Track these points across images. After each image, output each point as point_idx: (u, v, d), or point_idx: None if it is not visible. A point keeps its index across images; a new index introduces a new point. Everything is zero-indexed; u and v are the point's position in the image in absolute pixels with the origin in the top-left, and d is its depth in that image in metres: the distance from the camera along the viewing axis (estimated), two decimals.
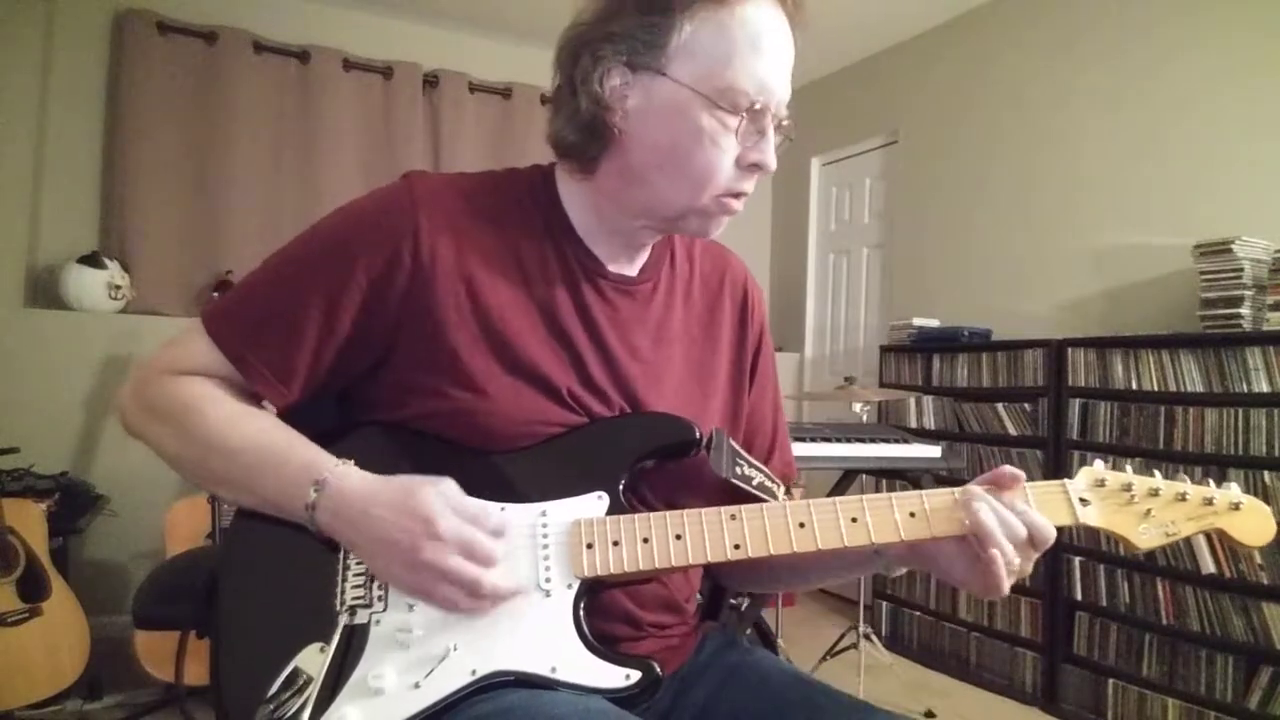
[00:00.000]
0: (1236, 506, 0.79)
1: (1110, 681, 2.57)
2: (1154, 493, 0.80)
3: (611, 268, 0.88)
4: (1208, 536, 0.82)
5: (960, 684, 2.99)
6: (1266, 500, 2.15)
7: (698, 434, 0.83)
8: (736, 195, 0.82)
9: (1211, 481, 0.81)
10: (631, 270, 0.90)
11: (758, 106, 0.77)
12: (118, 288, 3.09)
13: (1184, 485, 0.80)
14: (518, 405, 0.80)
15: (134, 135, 3.24)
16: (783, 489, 0.93)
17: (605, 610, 0.82)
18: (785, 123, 0.81)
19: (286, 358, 0.80)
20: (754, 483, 0.87)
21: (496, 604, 0.73)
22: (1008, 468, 0.78)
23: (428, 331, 0.79)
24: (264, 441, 0.78)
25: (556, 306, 0.84)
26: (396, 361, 0.81)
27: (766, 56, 0.77)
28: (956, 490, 0.78)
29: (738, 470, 0.86)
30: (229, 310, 0.82)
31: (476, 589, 0.70)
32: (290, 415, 0.82)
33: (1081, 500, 0.79)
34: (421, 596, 0.72)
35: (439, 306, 0.79)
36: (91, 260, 3.05)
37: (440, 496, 0.72)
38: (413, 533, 0.70)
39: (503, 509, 0.77)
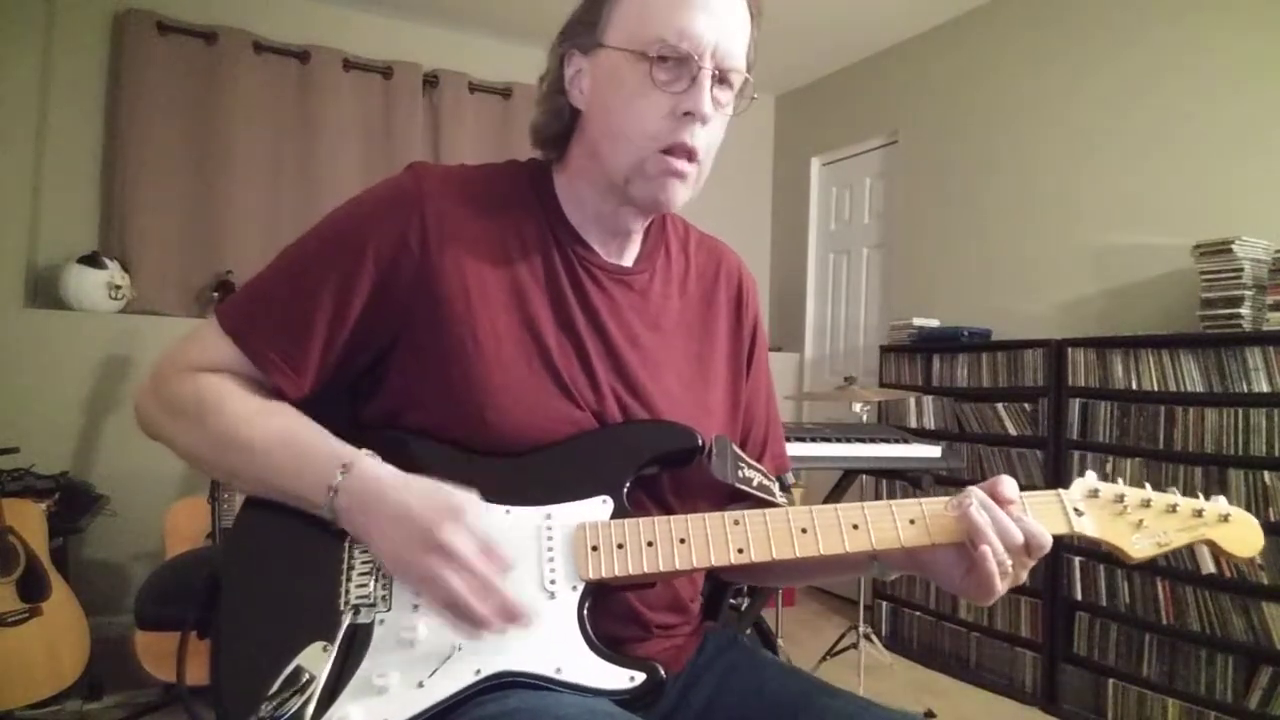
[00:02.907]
0: (1225, 518, 0.81)
1: (1110, 681, 2.58)
2: (1145, 504, 0.81)
3: (607, 258, 0.89)
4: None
5: (960, 684, 2.99)
6: (1266, 500, 2.18)
7: (700, 441, 0.83)
8: (677, 152, 0.81)
9: (1201, 489, 0.82)
10: (626, 261, 0.91)
11: (682, 52, 0.78)
12: (118, 288, 3.09)
13: (1174, 497, 0.81)
14: (520, 394, 0.81)
15: (134, 135, 3.24)
16: (777, 484, 0.94)
17: (612, 611, 0.82)
18: (732, 75, 0.82)
19: (299, 347, 0.80)
20: (754, 484, 0.88)
21: (496, 620, 0.70)
22: (1004, 479, 0.78)
23: (433, 318, 0.80)
24: (288, 432, 0.78)
25: (557, 295, 0.85)
26: (403, 349, 0.82)
27: (691, 5, 0.79)
28: (952, 497, 0.78)
29: (740, 474, 0.86)
30: (242, 304, 0.83)
31: (488, 586, 0.69)
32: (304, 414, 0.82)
33: (1076, 510, 0.80)
34: (426, 583, 0.70)
35: (444, 293, 0.80)
36: (91, 260, 3.05)
37: (475, 500, 0.73)
38: (439, 513, 0.70)
39: (508, 512, 0.78)
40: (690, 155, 0.81)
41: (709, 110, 0.80)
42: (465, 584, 0.69)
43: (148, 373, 0.84)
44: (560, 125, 0.87)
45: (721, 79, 0.81)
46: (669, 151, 0.81)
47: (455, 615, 0.71)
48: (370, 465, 0.75)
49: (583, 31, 0.84)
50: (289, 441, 0.78)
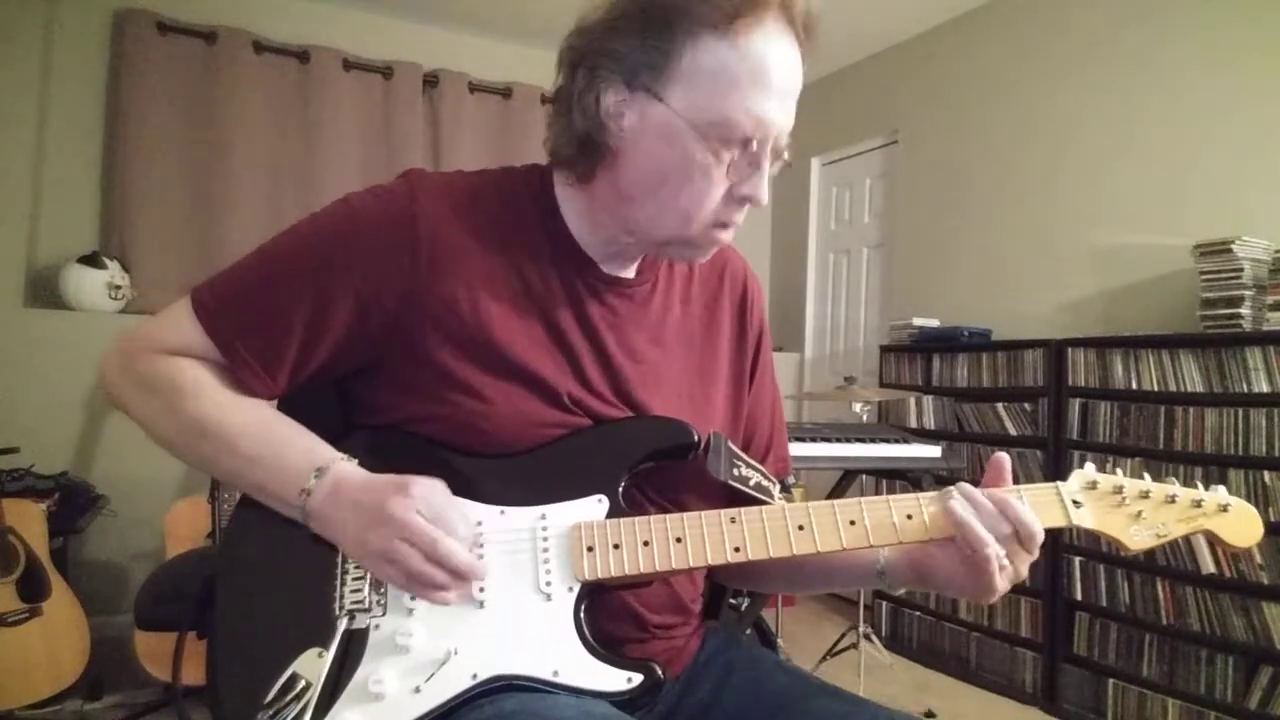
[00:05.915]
0: (1224, 508, 0.80)
1: (1110, 681, 2.57)
2: (1144, 494, 0.80)
3: (608, 270, 0.88)
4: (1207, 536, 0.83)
5: (960, 684, 2.99)
6: (1266, 500, 2.17)
7: (695, 437, 0.83)
8: (725, 225, 0.81)
9: (1200, 484, 0.82)
10: (628, 272, 0.90)
11: (754, 144, 0.76)
12: (118, 288, 3.09)
13: (1173, 487, 0.81)
14: (515, 410, 0.80)
15: (134, 135, 3.24)
16: (778, 486, 0.93)
17: (611, 612, 0.81)
18: (785, 154, 0.81)
19: (273, 349, 0.79)
20: (751, 483, 0.87)
21: (448, 579, 0.71)
22: (995, 459, 0.79)
23: (425, 334, 0.79)
24: (265, 429, 0.78)
25: (554, 310, 0.84)
26: (394, 362, 0.81)
27: (769, 91, 0.75)
28: (937, 492, 0.79)
29: (735, 472, 0.85)
30: (218, 294, 0.81)
31: (433, 549, 0.70)
32: (290, 413, 0.82)
33: (1074, 502, 0.80)
34: (381, 559, 0.71)
35: (435, 308, 0.79)
36: (91, 260, 3.05)
37: (429, 479, 0.73)
38: (386, 490, 0.71)
39: (502, 512, 0.78)
40: (731, 223, 0.81)
41: (767, 198, 0.79)
42: (409, 554, 0.70)
43: (114, 342, 0.83)
44: (587, 156, 0.80)
45: (777, 156, 0.80)
46: (715, 225, 0.81)
47: (414, 586, 0.72)
48: (345, 469, 0.75)
49: (641, 70, 0.75)
50: (266, 438, 0.77)
